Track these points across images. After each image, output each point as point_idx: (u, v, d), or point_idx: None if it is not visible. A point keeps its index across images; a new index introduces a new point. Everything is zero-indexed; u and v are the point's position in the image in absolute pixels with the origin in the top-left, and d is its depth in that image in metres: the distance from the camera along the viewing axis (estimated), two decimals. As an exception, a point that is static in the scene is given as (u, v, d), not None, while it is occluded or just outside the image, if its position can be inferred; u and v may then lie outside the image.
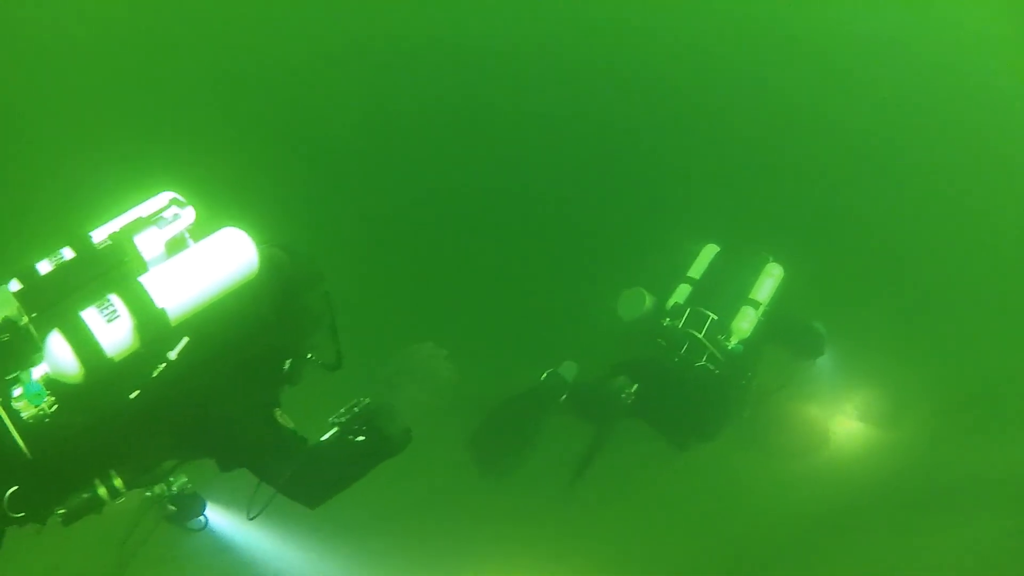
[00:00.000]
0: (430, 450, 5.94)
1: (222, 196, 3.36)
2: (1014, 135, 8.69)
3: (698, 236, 6.39)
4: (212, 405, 2.86)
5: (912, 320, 7.61)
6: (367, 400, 3.15)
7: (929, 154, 8.57)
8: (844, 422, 6.89)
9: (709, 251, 6.20)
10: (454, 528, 5.47)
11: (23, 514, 2.70)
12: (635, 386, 5.85)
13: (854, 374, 7.15)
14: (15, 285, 2.81)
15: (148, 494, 3.02)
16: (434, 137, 7.81)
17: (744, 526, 5.73)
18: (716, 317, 5.78)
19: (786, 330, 6.16)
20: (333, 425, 3.11)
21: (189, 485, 3.07)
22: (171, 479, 3.04)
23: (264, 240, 3.03)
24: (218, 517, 3.15)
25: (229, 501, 3.05)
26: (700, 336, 5.73)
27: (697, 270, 6.13)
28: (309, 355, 3.25)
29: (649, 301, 6.09)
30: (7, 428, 2.59)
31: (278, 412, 3.01)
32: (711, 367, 5.76)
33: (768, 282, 5.91)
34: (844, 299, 7.54)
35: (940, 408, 6.88)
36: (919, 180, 8.60)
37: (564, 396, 5.99)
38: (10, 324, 2.80)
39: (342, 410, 3.12)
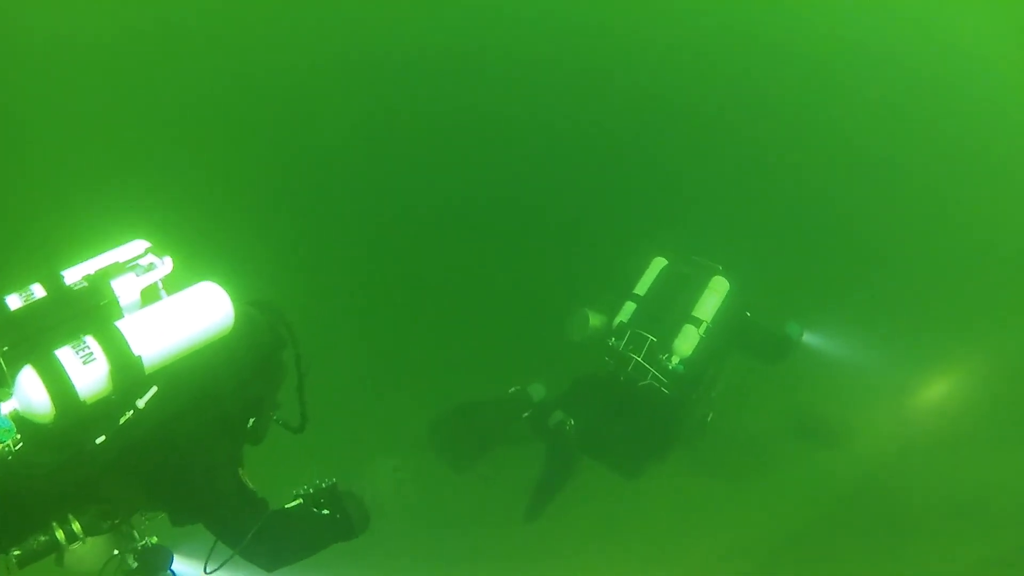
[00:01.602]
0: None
1: (194, 246, 3.44)
2: (999, 134, 8.87)
3: (673, 245, 6.41)
4: (178, 457, 2.87)
5: (900, 324, 7.71)
6: (334, 480, 3.23)
7: (918, 155, 8.74)
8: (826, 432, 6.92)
9: (656, 265, 6.23)
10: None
11: None
12: (571, 421, 5.94)
13: (839, 378, 7.27)
14: None
15: (115, 551, 2.99)
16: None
17: (720, 545, 5.70)
18: (655, 339, 5.82)
19: (747, 337, 6.22)
20: (297, 497, 3.17)
21: (154, 540, 3.05)
22: (135, 533, 3.02)
23: (239, 296, 3.09)
24: (185, 571, 3.11)
25: (198, 553, 3.02)
26: (639, 359, 5.78)
27: (643, 286, 6.16)
28: (274, 416, 3.30)
29: (594, 321, 6.14)
30: None
31: (242, 472, 3.03)
32: (658, 385, 5.79)
33: (712, 298, 5.94)
34: (833, 302, 7.70)
35: (933, 415, 6.97)
36: (906, 182, 8.77)
37: (527, 414, 6.15)
38: None
39: (306, 485, 3.20)
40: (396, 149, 8.00)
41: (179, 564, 3.09)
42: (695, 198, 8.37)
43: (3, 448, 2.57)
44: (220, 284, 3.00)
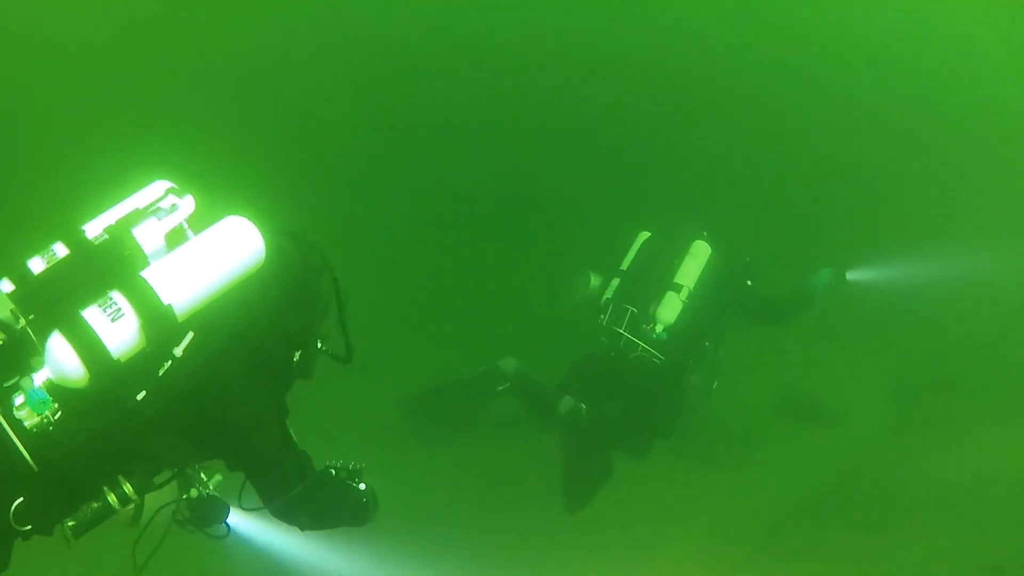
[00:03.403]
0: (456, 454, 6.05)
1: (219, 183, 3.23)
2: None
3: (665, 219, 6.37)
4: (222, 402, 2.73)
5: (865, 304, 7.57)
6: (363, 465, 3.12)
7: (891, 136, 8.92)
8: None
9: (639, 239, 6.21)
10: (481, 527, 5.41)
11: (29, 527, 2.56)
12: (580, 405, 5.97)
13: (826, 361, 7.24)
14: (7, 286, 2.64)
15: (183, 497, 2.90)
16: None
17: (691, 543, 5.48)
18: (636, 310, 5.85)
19: (749, 304, 6.21)
20: (330, 469, 3.06)
21: (214, 483, 2.95)
22: (198, 479, 2.91)
23: (268, 228, 2.88)
24: (242, 522, 3.00)
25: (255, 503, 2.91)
26: (622, 331, 5.82)
27: (626, 261, 6.16)
28: (320, 346, 3.13)
29: (594, 282, 6.16)
30: (10, 439, 2.44)
31: (287, 424, 2.89)
32: (650, 356, 5.80)
33: (693, 264, 5.90)
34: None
35: (895, 400, 6.77)
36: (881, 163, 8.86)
37: (502, 387, 6.23)
38: (6, 327, 2.65)
39: (334, 461, 3.09)
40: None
41: (236, 518, 2.98)
42: (683, 171, 8.46)
43: (42, 420, 2.43)
44: (247, 217, 2.80)
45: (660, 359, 5.81)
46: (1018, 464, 5.46)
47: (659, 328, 5.76)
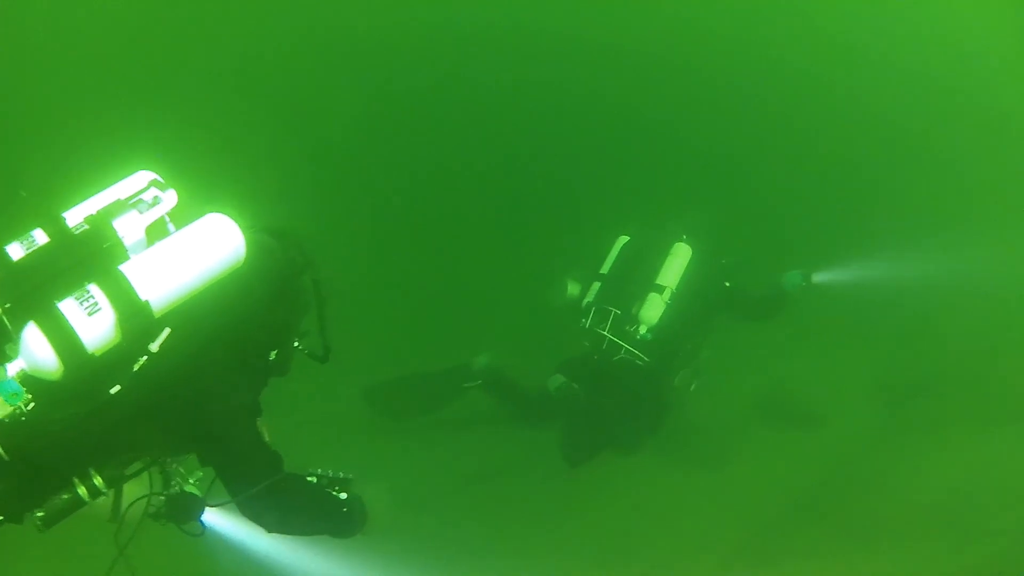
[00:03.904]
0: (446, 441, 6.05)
1: (203, 175, 3.23)
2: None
3: (644, 221, 6.37)
4: (195, 399, 2.73)
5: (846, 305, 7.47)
6: (352, 476, 3.15)
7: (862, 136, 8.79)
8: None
9: (618, 244, 6.21)
10: (463, 525, 5.44)
11: (1, 517, 2.57)
12: (574, 384, 5.99)
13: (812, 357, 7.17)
14: None
15: (146, 494, 2.90)
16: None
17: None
18: (619, 312, 5.85)
19: (732, 303, 6.18)
20: (312, 475, 3.08)
21: (192, 482, 2.95)
22: (172, 476, 2.92)
23: (250, 225, 2.88)
24: (217, 519, 3.00)
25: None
26: (605, 333, 5.82)
27: (606, 265, 6.16)
28: (296, 344, 3.15)
29: (572, 290, 6.15)
30: None
31: (260, 422, 2.89)
32: (634, 358, 5.80)
33: (675, 264, 5.91)
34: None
35: (878, 402, 6.69)
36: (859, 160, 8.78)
37: (469, 384, 6.28)
38: None
39: (321, 469, 3.12)
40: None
41: (212, 515, 2.98)
42: (668, 170, 8.42)
43: (14, 411, 2.44)
44: (229, 214, 2.80)
45: (644, 360, 5.81)
46: (1000, 473, 5.41)
47: (643, 329, 5.77)
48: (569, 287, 6.16)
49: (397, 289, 7.22)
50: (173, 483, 2.93)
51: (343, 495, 3.09)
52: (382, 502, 3.27)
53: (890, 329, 7.43)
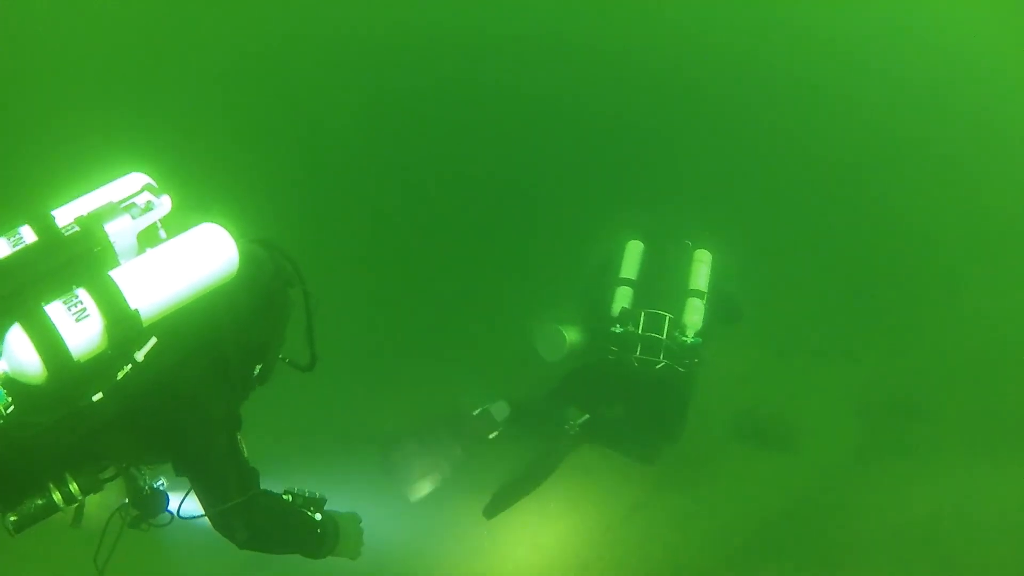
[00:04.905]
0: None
1: (196, 179, 3.20)
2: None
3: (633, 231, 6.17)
4: (176, 409, 2.71)
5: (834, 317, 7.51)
6: (326, 497, 3.13)
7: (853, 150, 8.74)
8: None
9: (634, 248, 6.02)
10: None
11: None
12: (584, 416, 5.87)
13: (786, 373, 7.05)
14: None
15: (123, 501, 2.87)
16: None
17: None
18: (672, 316, 5.67)
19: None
20: (288, 493, 3.06)
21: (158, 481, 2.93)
22: (140, 482, 2.89)
23: (242, 235, 2.86)
24: (186, 507, 2.96)
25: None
26: (662, 338, 5.62)
27: (630, 270, 5.94)
28: (281, 356, 3.13)
29: (571, 336, 5.94)
30: None
31: (240, 436, 2.87)
32: (675, 366, 5.66)
33: (703, 269, 5.83)
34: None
35: (859, 423, 6.66)
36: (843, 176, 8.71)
37: (494, 435, 6.01)
38: None
39: (297, 488, 3.10)
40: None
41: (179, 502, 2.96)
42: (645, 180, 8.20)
43: (-6, 413, 2.41)
44: (223, 224, 2.78)
45: (685, 366, 5.68)
46: (981, 504, 5.41)
47: (691, 334, 5.63)
48: (565, 333, 5.92)
49: (386, 299, 7.11)
50: (139, 482, 2.91)
51: (317, 516, 3.07)
52: (355, 524, 3.26)
53: (877, 344, 7.40)
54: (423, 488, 5.76)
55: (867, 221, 8.40)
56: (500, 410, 6.07)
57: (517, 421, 6.07)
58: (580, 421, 5.86)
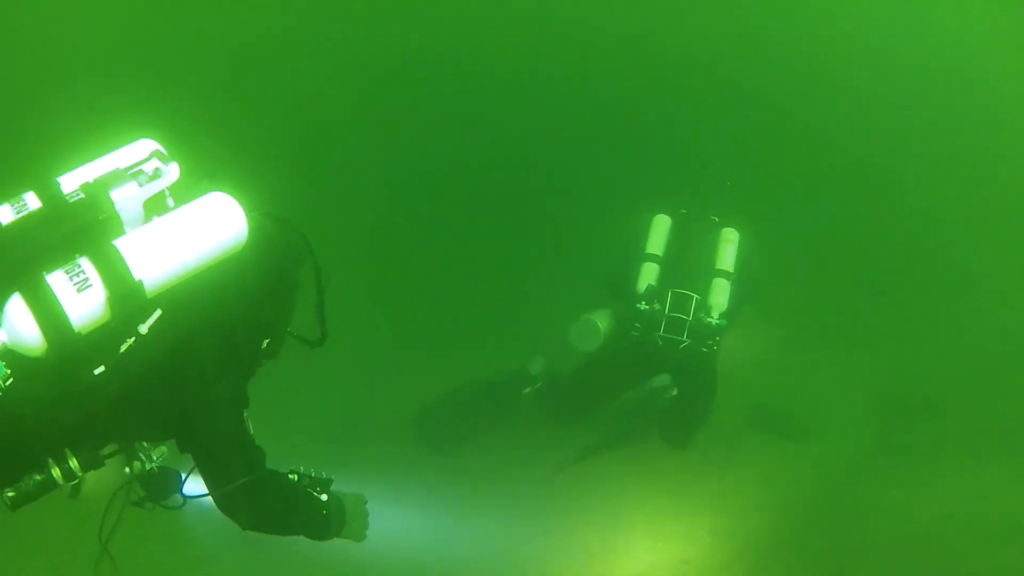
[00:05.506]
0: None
1: (206, 149, 3.10)
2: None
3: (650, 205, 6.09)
4: (181, 385, 2.61)
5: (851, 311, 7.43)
6: (332, 479, 3.03)
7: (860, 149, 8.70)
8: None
9: (661, 223, 5.88)
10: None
11: None
12: (675, 390, 6.03)
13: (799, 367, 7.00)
14: None
15: (127, 471, 2.77)
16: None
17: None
18: (699, 296, 5.57)
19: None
20: (294, 473, 2.96)
21: (160, 455, 2.82)
22: (143, 458, 2.79)
23: (253, 207, 2.76)
24: (197, 489, 2.87)
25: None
26: (688, 318, 5.53)
27: (656, 246, 5.80)
28: (289, 330, 3.04)
29: (603, 324, 5.84)
30: None
31: (246, 414, 2.77)
32: (702, 347, 5.61)
33: (730, 248, 5.69)
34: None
35: (874, 419, 6.57)
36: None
37: (528, 390, 6.15)
38: None
39: (303, 468, 3.00)
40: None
41: (191, 484, 2.84)
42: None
43: (-8, 385, 2.32)
44: (233, 194, 2.68)
45: (708, 347, 5.61)
46: (993, 505, 5.31)
47: (716, 314, 5.52)
48: (599, 322, 5.83)
49: (398, 278, 7.06)
50: (141, 462, 2.80)
51: (323, 497, 2.98)
52: (361, 506, 3.17)
53: (896, 335, 7.34)
54: (457, 450, 5.86)
55: (891, 213, 8.35)
56: (536, 365, 6.22)
57: (551, 389, 6.18)
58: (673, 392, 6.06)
